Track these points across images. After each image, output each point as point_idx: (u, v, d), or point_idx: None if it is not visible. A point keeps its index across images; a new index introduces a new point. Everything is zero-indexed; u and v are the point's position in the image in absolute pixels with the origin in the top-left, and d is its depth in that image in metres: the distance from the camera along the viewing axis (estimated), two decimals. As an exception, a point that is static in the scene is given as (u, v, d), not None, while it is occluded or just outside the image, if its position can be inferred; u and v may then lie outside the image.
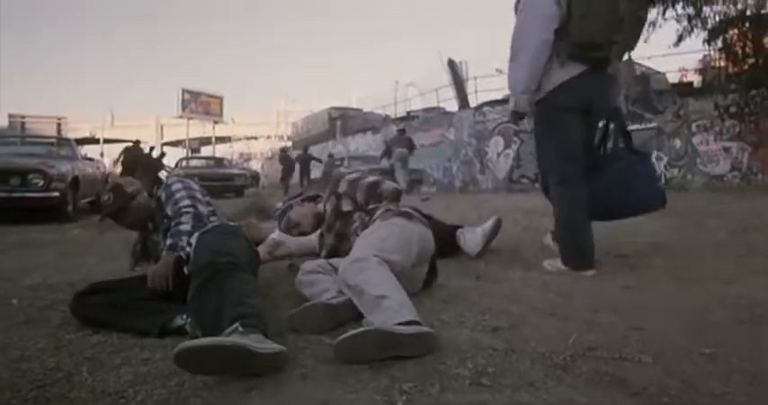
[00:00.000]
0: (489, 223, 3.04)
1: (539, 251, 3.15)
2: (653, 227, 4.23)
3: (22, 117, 30.34)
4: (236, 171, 17.56)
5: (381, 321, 1.50)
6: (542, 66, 2.38)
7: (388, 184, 2.30)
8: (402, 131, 13.79)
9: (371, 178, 2.31)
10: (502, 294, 2.13)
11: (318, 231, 2.47)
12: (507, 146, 13.46)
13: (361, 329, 1.43)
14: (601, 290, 2.19)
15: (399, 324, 1.46)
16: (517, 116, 2.52)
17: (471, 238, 2.99)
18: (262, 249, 2.94)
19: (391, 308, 1.55)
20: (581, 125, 2.49)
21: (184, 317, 1.72)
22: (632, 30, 2.47)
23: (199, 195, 2.18)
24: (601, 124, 2.59)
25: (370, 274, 1.70)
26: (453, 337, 1.59)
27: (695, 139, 10.78)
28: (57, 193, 6.13)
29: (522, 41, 2.41)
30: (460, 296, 2.09)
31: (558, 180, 2.51)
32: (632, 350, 1.46)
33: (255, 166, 29.04)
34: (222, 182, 15.70)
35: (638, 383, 1.26)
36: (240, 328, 1.40)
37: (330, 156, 18.14)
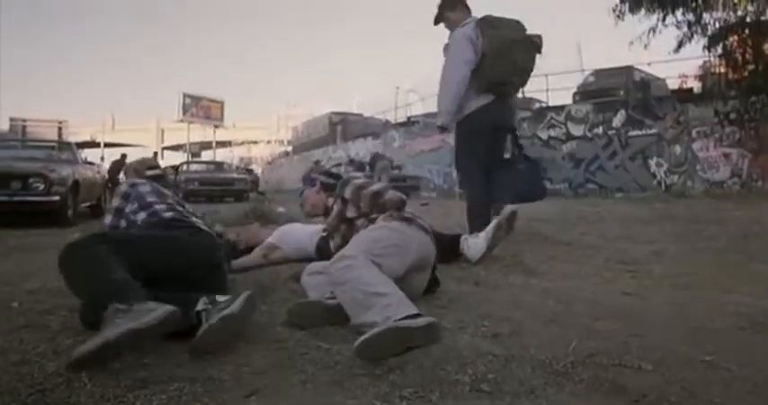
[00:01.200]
0: (490, 226, 3.02)
1: (539, 258, 3.16)
2: (653, 234, 4.24)
3: (23, 121, 30.38)
4: (236, 175, 17.57)
5: (383, 319, 1.50)
6: (462, 94, 3.20)
7: (391, 194, 2.26)
8: (378, 154, 15.77)
9: (375, 187, 2.28)
10: (502, 300, 2.12)
11: (317, 235, 2.48)
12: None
13: (378, 330, 1.44)
14: (601, 297, 2.19)
15: (404, 318, 1.49)
16: (442, 130, 3.45)
17: (474, 244, 2.97)
18: (256, 253, 2.93)
19: (390, 305, 1.56)
20: (490, 140, 3.30)
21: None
22: (524, 74, 3.39)
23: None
24: (507, 137, 3.45)
25: (360, 272, 1.68)
26: (453, 343, 1.58)
27: (695, 146, 10.80)
28: (57, 197, 6.12)
29: (448, 75, 3.25)
30: (460, 302, 2.09)
31: (469, 182, 3.50)
32: (632, 357, 1.46)
33: (256, 170, 29.04)
34: (222, 186, 15.71)
35: (639, 390, 1.26)
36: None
37: (316, 162, 18.20)
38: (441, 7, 3.38)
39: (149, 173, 2.58)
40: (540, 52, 3.36)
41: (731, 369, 1.39)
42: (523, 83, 3.50)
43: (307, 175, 2.59)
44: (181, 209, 2.26)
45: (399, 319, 1.49)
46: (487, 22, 3.21)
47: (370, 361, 1.42)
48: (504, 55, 3.13)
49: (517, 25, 3.30)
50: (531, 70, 3.41)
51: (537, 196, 3.59)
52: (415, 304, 1.63)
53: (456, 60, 3.19)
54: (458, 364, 1.42)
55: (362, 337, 1.42)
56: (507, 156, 3.40)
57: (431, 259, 2.12)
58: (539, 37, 3.31)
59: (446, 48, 3.31)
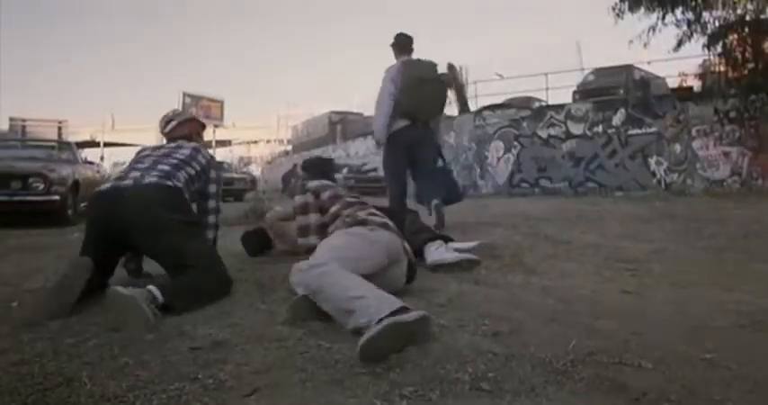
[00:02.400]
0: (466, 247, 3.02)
1: (539, 256, 3.16)
2: (653, 233, 4.24)
3: (23, 120, 30.27)
4: (235, 175, 17.54)
5: (367, 320, 1.51)
6: (388, 119, 4.11)
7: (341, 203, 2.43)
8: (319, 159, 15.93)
9: (325, 195, 2.47)
10: (502, 299, 2.12)
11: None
12: (507, 150, 13.45)
13: (376, 330, 1.43)
14: (601, 295, 2.19)
15: (393, 314, 1.50)
16: (378, 144, 4.30)
17: (437, 252, 2.82)
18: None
19: (370, 306, 1.56)
20: (406, 152, 4.18)
21: None
22: (434, 105, 4.27)
23: None
24: (433, 150, 4.30)
25: (335, 277, 1.72)
26: (453, 342, 1.58)
27: (695, 144, 10.78)
28: (57, 197, 6.12)
29: (380, 103, 4.19)
30: (460, 301, 2.09)
31: (390, 181, 4.35)
32: (632, 355, 1.46)
33: (255, 170, 29.01)
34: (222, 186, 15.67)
35: (639, 389, 1.26)
36: None
37: (294, 166, 18.23)
38: (392, 46, 4.36)
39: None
40: (450, 87, 4.60)
41: (731, 367, 1.39)
42: (436, 111, 4.33)
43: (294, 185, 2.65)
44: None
45: (388, 316, 1.49)
46: (406, 65, 4.17)
47: (372, 360, 1.42)
48: (414, 91, 4.03)
49: (429, 67, 4.25)
50: (442, 100, 4.36)
51: (457, 197, 4.41)
52: (415, 301, 1.64)
53: (383, 94, 4.14)
54: (458, 362, 1.42)
55: (363, 340, 1.42)
56: (440, 164, 4.30)
57: (400, 251, 2.16)
58: (447, 75, 4.44)
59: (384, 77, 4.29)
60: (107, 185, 2.26)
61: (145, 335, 1.70)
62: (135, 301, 1.76)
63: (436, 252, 2.78)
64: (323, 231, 2.37)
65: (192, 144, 2.62)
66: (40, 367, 1.46)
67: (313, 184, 2.56)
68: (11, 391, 1.32)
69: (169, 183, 2.25)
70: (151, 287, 1.91)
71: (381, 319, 1.48)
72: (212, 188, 2.61)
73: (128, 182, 2.21)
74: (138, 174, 2.26)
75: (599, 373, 1.35)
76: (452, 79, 4.37)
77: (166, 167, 2.33)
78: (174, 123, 2.77)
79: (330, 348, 1.55)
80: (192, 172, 2.43)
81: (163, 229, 2.14)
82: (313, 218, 2.45)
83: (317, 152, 22.03)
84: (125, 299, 1.78)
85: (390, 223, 2.27)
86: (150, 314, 1.76)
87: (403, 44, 4.29)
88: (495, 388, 1.28)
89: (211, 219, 2.64)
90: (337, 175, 8.29)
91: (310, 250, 2.18)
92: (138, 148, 2.68)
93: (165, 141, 2.76)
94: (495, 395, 1.24)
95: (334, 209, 2.39)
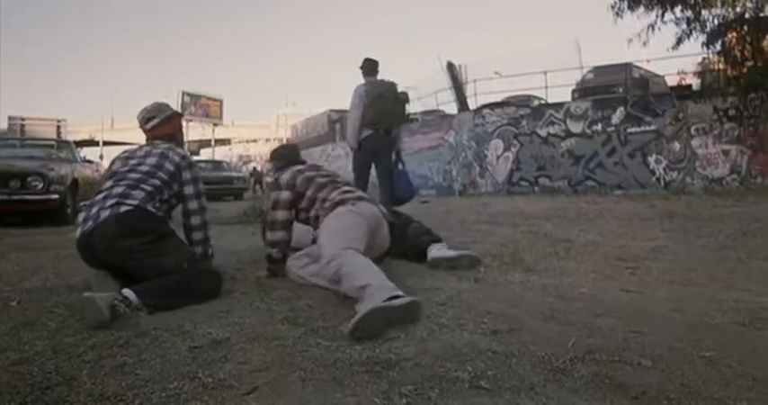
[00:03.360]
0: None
1: (538, 255, 3.16)
2: (652, 231, 4.24)
3: (22, 119, 30.26)
4: (234, 174, 17.55)
5: (372, 305, 1.70)
6: (358, 128, 4.83)
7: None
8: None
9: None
10: (501, 298, 2.12)
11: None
12: (507, 148, 13.45)
13: (363, 313, 1.65)
14: (600, 294, 2.19)
15: (387, 300, 1.73)
16: (351, 149, 5.01)
17: (439, 249, 2.89)
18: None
19: (373, 294, 1.78)
20: (371, 157, 4.89)
21: None
22: (392, 118, 4.91)
23: None
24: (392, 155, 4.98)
25: (349, 268, 1.99)
26: (452, 341, 1.58)
27: (694, 143, 10.79)
28: (56, 196, 6.11)
29: (350, 116, 4.99)
30: (459, 299, 2.09)
31: (356, 179, 4.80)
32: (632, 354, 1.46)
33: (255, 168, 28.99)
34: (221, 185, 15.70)
35: (638, 387, 1.26)
36: None
37: (254, 169, 18.37)
38: (360, 68, 5.03)
39: None
40: (408, 102, 5.35)
41: (731, 365, 1.39)
42: (394, 122, 4.99)
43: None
44: None
45: (382, 301, 1.72)
46: (369, 84, 4.91)
47: (361, 339, 1.59)
48: (376, 106, 4.78)
49: (389, 86, 4.99)
50: (400, 113, 5.10)
51: (407, 197, 4.98)
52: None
53: (353, 107, 4.91)
54: (457, 361, 1.42)
55: (352, 321, 1.64)
56: (400, 168, 4.96)
57: (379, 216, 2.47)
58: (404, 94, 5.25)
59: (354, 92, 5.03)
60: (77, 233, 2.29)
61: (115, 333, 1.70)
62: (91, 300, 1.81)
63: (438, 252, 2.86)
64: (306, 216, 2.55)
65: (162, 148, 2.56)
66: (40, 366, 1.46)
67: (284, 178, 2.61)
68: (10, 390, 1.32)
69: (124, 207, 2.24)
70: (125, 290, 1.94)
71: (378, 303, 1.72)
72: (188, 190, 2.55)
73: (89, 224, 2.23)
74: (95, 210, 2.25)
75: (598, 372, 1.35)
76: (406, 98, 5.24)
77: (121, 190, 2.31)
78: (155, 121, 2.69)
79: (329, 347, 1.55)
80: (158, 182, 2.40)
81: (132, 256, 2.19)
82: (281, 215, 2.55)
83: (316, 151, 22.04)
84: (84, 300, 1.83)
85: (364, 194, 2.59)
86: (106, 312, 1.79)
87: (369, 67, 5.08)
88: (495, 386, 1.28)
89: (195, 220, 2.58)
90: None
91: (274, 244, 2.52)
92: (115, 156, 2.65)
93: (144, 138, 2.73)
94: (495, 393, 1.24)
95: (309, 193, 2.53)
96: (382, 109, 4.83)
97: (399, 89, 5.10)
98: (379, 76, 4.99)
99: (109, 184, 2.39)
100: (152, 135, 2.68)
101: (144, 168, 2.44)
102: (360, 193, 2.59)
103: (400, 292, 1.80)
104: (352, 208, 2.40)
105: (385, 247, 2.54)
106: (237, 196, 14.99)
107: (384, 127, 4.89)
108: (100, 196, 2.33)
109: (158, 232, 2.27)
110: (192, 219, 2.58)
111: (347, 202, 2.43)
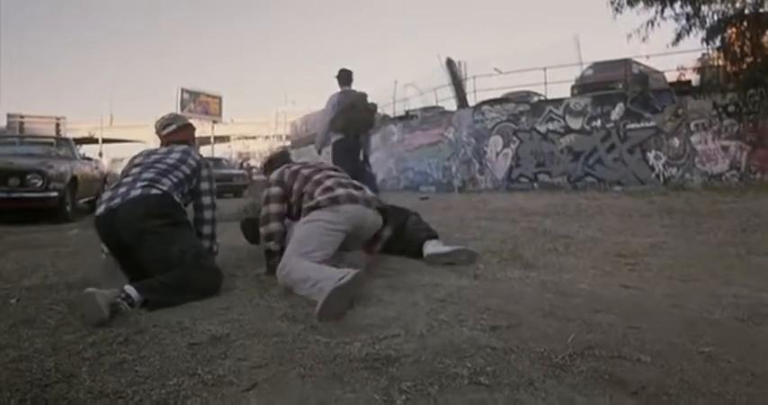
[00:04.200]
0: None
1: (538, 251, 3.16)
2: (652, 227, 4.25)
3: (21, 117, 30.26)
4: (234, 171, 17.52)
5: (327, 290, 1.85)
6: (327, 133, 5.61)
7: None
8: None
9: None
10: (500, 294, 2.13)
11: None
12: (506, 145, 13.43)
13: (323, 298, 1.82)
14: (600, 290, 2.19)
15: (337, 281, 1.88)
16: (318, 152, 5.93)
17: (434, 245, 2.91)
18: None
19: (323, 288, 1.89)
20: (344, 157, 5.19)
21: None
22: (361, 124, 5.49)
23: None
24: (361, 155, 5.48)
25: (296, 275, 2.15)
26: (452, 337, 1.59)
27: (693, 138, 10.78)
28: (55, 194, 6.10)
29: (321, 121, 5.74)
30: (458, 296, 2.09)
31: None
32: (631, 349, 1.47)
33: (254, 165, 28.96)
34: (221, 182, 15.67)
35: (637, 383, 1.26)
36: None
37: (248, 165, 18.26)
38: (336, 78, 5.61)
39: None
40: (376, 111, 5.98)
41: (730, 361, 1.39)
42: (363, 128, 5.55)
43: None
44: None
45: (334, 284, 1.87)
46: (344, 93, 5.50)
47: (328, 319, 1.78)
48: (348, 113, 5.36)
49: (361, 96, 5.55)
50: (368, 121, 5.63)
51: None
52: (414, 297, 1.96)
53: (325, 114, 5.55)
54: (456, 357, 1.42)
55: (317, 307, 1.82)
56: (368, 169, 5.53)
57: (361, 212, 2.47)
58: (374, 104, 5.80)
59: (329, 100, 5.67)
60: (101, 209, 2.37)
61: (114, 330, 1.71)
62: (92, 298, 1.81)
63: (433, 248, 2.87)
64: (298, 210, 2.59)
65: (183, 147, 2.74)
66: (39, 363, 1.46)
67: (273, 176, 2.73)
68: (10, 387, 1.32)
69: (154, 190, 2.38)
70: (126, 286, 1.97)
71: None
72: (204, 185, 2.69)
73: (116, 201, 2.33)
74: (124, 189, 2.38)
75: (598, 367, 1.35)
76: (375, 108, 5.84)
77: (151, 175, 2.46)
78: (172, 127, 2.88)
79: (329, 343, 1.56)
80: (182, 175, 2.56)
81: (147, 237, 2.24)
82: (273, 208, 2.62)
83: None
84: (84, 297, 1.84)
85: (347, 181, 2.63)
86: (105, 310, 1.79)
87: (344, 77, 5.65)
88: (494, 382, 1.28)
89: (207, 214, 2.71)
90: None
91: (269, 237, 2.58)
92: (134, 154, 2.80)
93: (159, 142, 2.89)
94: (494, 389, 1.24)
95: (296, 187, 2.61)
96: (353, 117, 5.44)
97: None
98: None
99: (137, 170, 2.52)
100: (167, 140, 2.86)
101: (169, 161, 2.61)
102: (343, 181, 2.62)
103: (343, 274, 1.95)
104: (324, 214, 2.39)
105: (377, 227, 2.60)
106: (237, 194, 14.96)
107: (354, 132, 5.46)
108: (128, 179, 2.46)
109: (178, 219, 2.40)
110: (204, 213, 2.71)
111: (323, 207, 2.42)
